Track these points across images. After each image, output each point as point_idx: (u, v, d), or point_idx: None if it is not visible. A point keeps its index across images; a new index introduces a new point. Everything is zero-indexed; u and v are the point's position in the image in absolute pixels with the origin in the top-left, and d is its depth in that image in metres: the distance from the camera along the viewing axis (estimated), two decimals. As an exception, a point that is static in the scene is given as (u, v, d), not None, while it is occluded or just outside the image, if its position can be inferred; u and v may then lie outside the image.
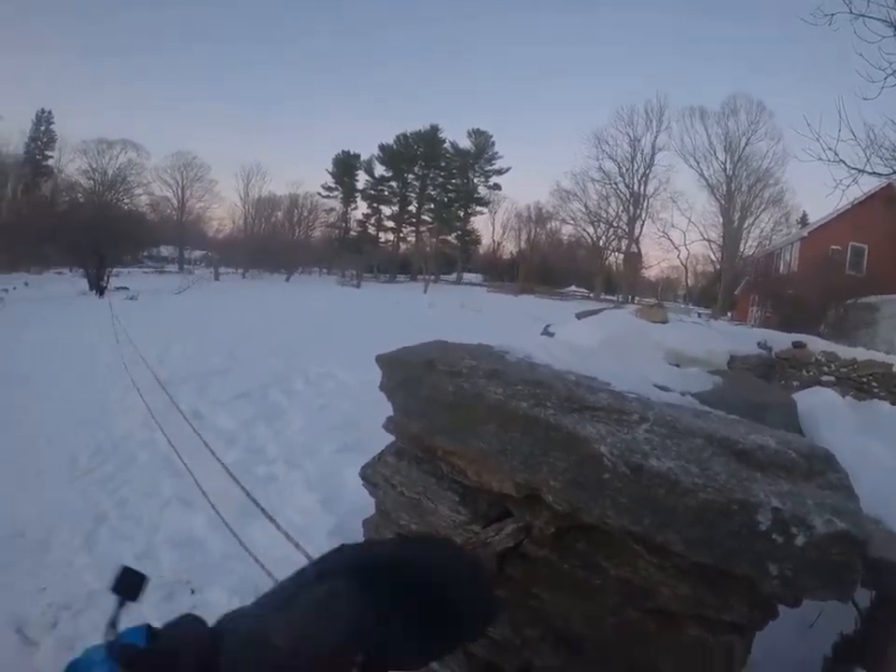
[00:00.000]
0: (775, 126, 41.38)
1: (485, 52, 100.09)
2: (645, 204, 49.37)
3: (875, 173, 8.73)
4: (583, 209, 51.02)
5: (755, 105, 42.70)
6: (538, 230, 62.74)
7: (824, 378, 6.93)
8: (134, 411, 7.32)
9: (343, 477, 4.96)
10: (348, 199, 70.66)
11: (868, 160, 8.41)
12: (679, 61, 72.57)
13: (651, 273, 58.55)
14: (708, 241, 46.87)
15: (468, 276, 61.04)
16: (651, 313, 5.33)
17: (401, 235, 70.80)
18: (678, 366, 3.41)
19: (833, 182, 8.42)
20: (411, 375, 2.00)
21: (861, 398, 6.09)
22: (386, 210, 70.68)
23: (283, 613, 0.90)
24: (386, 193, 69.81)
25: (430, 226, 67.97)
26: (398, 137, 67.91)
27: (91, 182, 51.58)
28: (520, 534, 1.74)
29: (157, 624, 0.88)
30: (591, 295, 47.42)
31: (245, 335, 13.09)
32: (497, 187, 67.79)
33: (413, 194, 69.15)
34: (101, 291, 29.53)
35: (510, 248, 69.03)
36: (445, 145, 67.71)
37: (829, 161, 8.22)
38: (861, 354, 7.38)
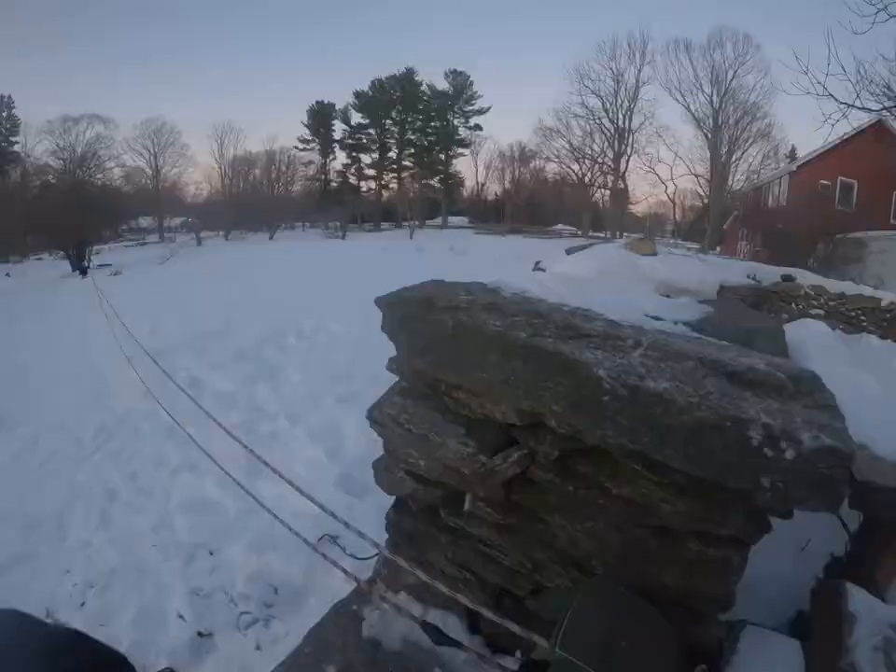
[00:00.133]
0: (762, 59, 39.96)
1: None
2: (630, 140, 48.37)
3: (865, 108, 8.60)
4: (567, 146, 49.84)
5: (742, 37, 41.18)
6: (522, 169, 61.73)
7: (813, 312, 6.97)
8: (134, 385, 7.22)
9: (344, 427, 5.09)
10: (326, 150, 68.75)
11: (858, 95, 8.28)
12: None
13: (639, 208, 57.94)
14: (696, 175, 46.13)
15: (453, 220, 59.74)
16: (641, 246, 5.36)
17: (383, 183, 69.03)
18: (668, 297, 3.45)
19: (822, 117, 8.32)
20: (411, 313, 2.04)
21: (850, 331, 6.18)
22: (366, 158, 68.64)
23: None
24: (365, 141, 67.86)
25: (412, 171, 66.29)
26: (373, 83, 65.76)
27: (62, 162, 50.24)
28: (525, 460, 1.82)
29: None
30: (579, 232, 46.89)
31: (235, 296, 12.96)
32: (478, 127, 66.07)
33: (392, 140, 67.31)
34: (83, 271, 28.61)
35: (494, 189, 67.69)
36: (423, 87, 65.55)
37: (818, 95, 8.08)
38: (849, 288, 7.44)
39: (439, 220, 59.31)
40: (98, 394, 7.47)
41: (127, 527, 4.22)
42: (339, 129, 68.47)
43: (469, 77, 64.82)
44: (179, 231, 54.13)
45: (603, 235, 43.02)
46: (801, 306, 7.18)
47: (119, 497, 4.71)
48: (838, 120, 8.30)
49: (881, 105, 8.89)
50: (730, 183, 43.29)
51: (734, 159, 43.21)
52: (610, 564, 1.76)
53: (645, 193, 52.58)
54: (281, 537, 3.46)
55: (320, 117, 67.55)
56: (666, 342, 1.80)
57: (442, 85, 64.98)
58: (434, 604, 2.17)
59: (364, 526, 2.41)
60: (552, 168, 55.05)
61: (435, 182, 65.76)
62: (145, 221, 57.61)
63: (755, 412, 1.39)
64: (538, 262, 6.46)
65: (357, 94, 66.27)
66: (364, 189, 68.84)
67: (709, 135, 43.22)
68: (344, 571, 2.38)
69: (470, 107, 65.76)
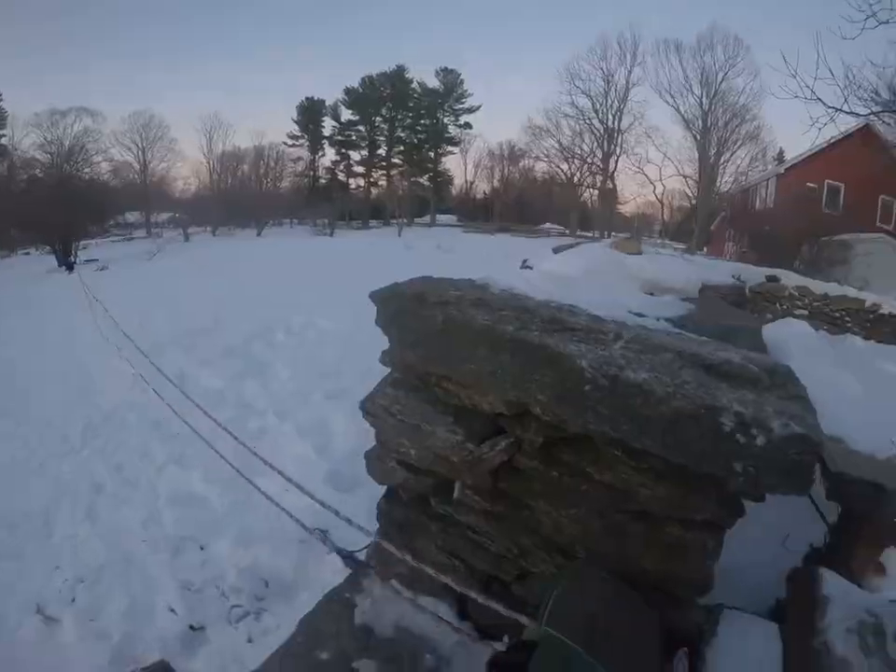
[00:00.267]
0: (752, 62, 40.19)
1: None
2: (619, 140, 48.72)
3: (853, 112, 8.72)
4: (557, 145, 50.00)
5: (732, 39, 41.42)
6: (511, 168, 61.90)
7: (797, 312, 7.07)
8: (121, 379, 7.33)
9: (333, 423, 5.15)
10: (315, 146, 68.55)
11: (846, 99, 8.38)
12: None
13: (627, 208, 58.19)
14: (684, 176, 46.48)
15: (441, 218, 59.69)
16: (626, 245, 5.44)
17: (372, 180, 68.97)
18: (653, 295, 3.52)
19: (810, 120, 8.40)
20: (403, 308, 2.11)
21: (834, 332, 6.26)
22: (355, 155, 68.53)
23: None
24: (354, 138, 67.69)
25: (401, 169, 66.44)
26: (363, 80, 65.71)
27: (49, 156, 49.76)
28: (512, 448, 1.89)
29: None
30: (567, 232, 47.07)
31: (223, 292, 12.95)
32: (467, 126, 66.12)
33: (381, 137, 67.19)
34: (70, 266, 28.47)
35: (483, 188, 67.84)
36: (413, 85, 65.62)
37: (806, 98, 8.16)
38: (833, 289, 7.56)
39: (427, 218, 59.31)
40: (84, 390, 7.49)
41: (114, 522, 4.26)
42: (328, 125, 68.47)
43: (459, 75, 64.95)
44: (166, 227, 53.63)
45: (591, 235, 43.21)
46: (785, 306, 7.28)
47: (105, 490, 4.75)
48: (826, 124, 8.39)
49: (869, 110, 9.07)
50: (718, 184, 43.69)
51: (722, 160, 43.62)
52: (593, 549, 1.83)
53: (633, 193, 52.91)
54: (270, 530, 3.55)
55: (310, 113, 67.46)
56: (647, 336, 1.89)
57: (433, 83, 65.17)
58: (424, 591, 2.23)
59: (354, 521, 2.47)
60: (541, 167, 55.30)
61: (424, 180, 65.76)
62: (132, 216, 57.08)
63: (728, 400, 1.47)
64: (525, 260, 6.51)
65: (348, 91, 66.18)
66: (353, 186, 68.73)
67: (698, 137, 43.56)
68: (341, 553, 2.44)
69: (461, 105, 65.88)
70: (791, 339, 3.64)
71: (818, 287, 7.56)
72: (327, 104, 67.81)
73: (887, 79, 8.93)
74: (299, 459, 4.51)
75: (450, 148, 67.23)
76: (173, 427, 5.41)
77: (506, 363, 1.75)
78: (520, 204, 56.05)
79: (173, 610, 3.26)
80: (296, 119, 67.82)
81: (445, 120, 66.33)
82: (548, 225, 52.93)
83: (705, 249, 37.38)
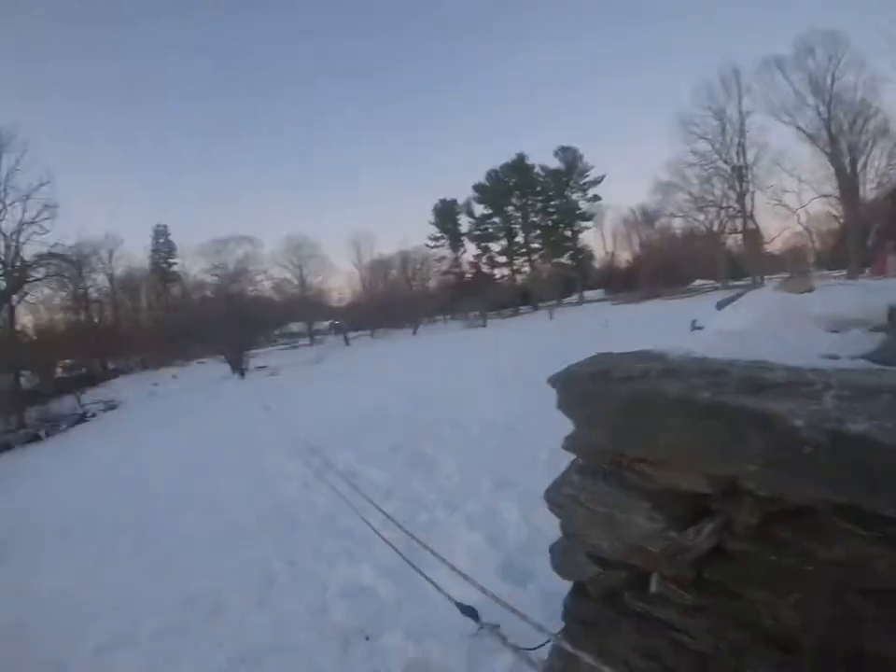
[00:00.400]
0: (855, 53, 37.59)
1: (551, 64, 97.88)
2: (749, 176, 46.36)
3: None
4: (688, 197, 48.63)
5: (828, 36, 38.68)
6: (648, 230, 60.93)
7: None
8: (292, 476, 7.76)
9: (503, 513, 5.00)
10: (455, 244, 72.17)
11: None
12: (732, 16, 67.27)
13: (775, 246, 54.74)
14: (825, 196, 42.75)
15: (589, 294, 59.87)
16: (794, 284, 4.97)
17: (515, 268, 71.21)
18: (837, 332, 3.15)
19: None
20: (587, 388, 2.00)
21: None
22: (495, 246, 71.58)
23: None
24: (491, 230, 70.80)
25: (541, 252, 67.97)
26: (488, 174, 69.18)
27: (216, 278, 56.05)
28: (719, 532, 1.66)
29: None
30: (718, 285, 45.17)
31: (388, 390, 13.59)
32: (596, 198, 66.65)
33: (517, 225, 69.67)
34: (242, 373, 31.65)
35: (624, 256, 67.23)
36: (536, 170, 67.93)
37: None
38: None
39: (575, 297, 59.44)
40: (259, 484, 7.83)
41: (284, 610, 4.27)
42: (464, 222, 72.22)
43: (577, 150, 66.25)
44: (327, 333, 57.87)
45: (743, 283, 40.92)
46: None
47: (278, 581, 4.78)
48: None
49: None
50: (862, 194, 39.76)
51: (859, 167, 39.93)
52: (821, 639, 1.51)
53: (777, 229, 49.26)
54: (440, 624, 3.40)
55: (445, 213, 71.51)
56: (856, 379, 1.59)
57: (554, 163, 66.83)
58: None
59: (528, 616, 2.30)
60: (677, 224, 53.81)
61: (565, 259, 66.47)
62: (295, 326, 62.53)
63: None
64: (694, 321, 6.23)
65: (476, 187, 69.89)
66: (497, 276, 71.42)
67: (827, 149, 40.38)
68: (515, 650, 2.25)
69: (585, 179, 67.01)
70: None
71: None
72: (459, 202, 71.83)
73: None
74: (469, 551, 4.37)
75: (584, 224, 68.39)
76: (344, 521, 5.54)
77: (705, 432, 1.56)
78: (666, 265, 54.46)
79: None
80: (433, 221, 71.96)
81: (574, 197, 67.67)
82: (698, 282, 51.17)
83: (867, 270, 34.00)
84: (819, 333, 3.07)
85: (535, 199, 68.26)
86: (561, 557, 2.22)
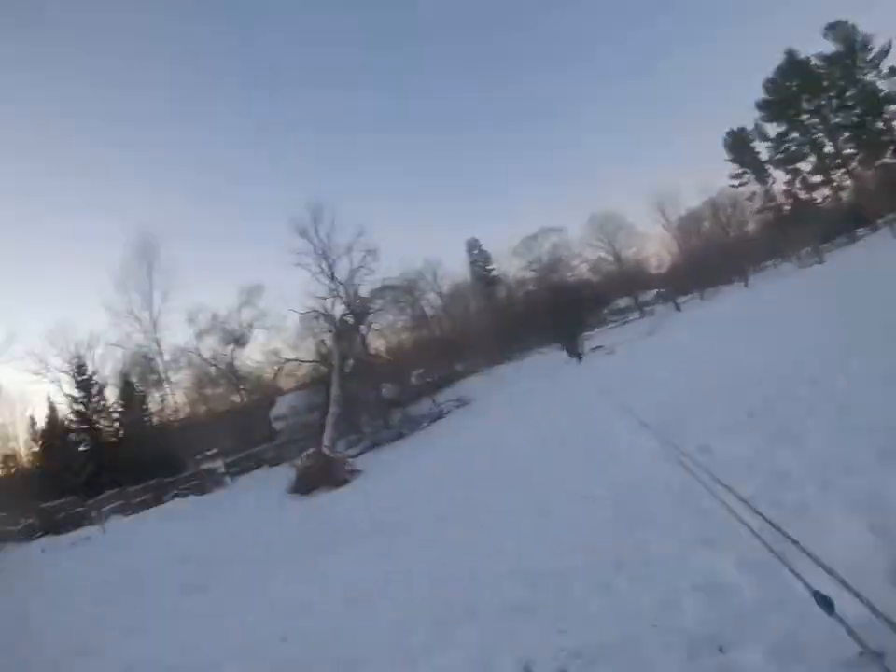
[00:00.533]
0: None
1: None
2: None
3: None
4: None
5: None
6: None
7: None
8: (640, 452, 7.48)
9: (893, 497, 3.82)
10: (760, 175, 62.75)
11: None
12: None
13: None
14: None
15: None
16: None
17: (834, 185, 58.81)
18: None
19: None
20: None
21: None
22: (804, 166, 60.09)
23: None
24: (793, 149, 59.77)
25: (857, 157, 55.54)
26: (765, 85, 59.43)
27: (534, 272, 59.87)
28: None
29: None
30: None
31: (732, 352, 12.54)
32: (893, 71, 52.51)
33: (819, 133, 57.73)
34: (579, 357, 32.69)
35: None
36: (812, 63, 56.15)
37: None
38: None
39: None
40: (607, 460, 7.79)
41: (629, 598, 3.97)
42: (762, 148, 62.87)
43: (847, 23, 53.27)
44: (655, 303, 56.44)
45: None
46: None
47: (626, 565, 4.51)
48: None
49: None
50: None
51: None
52: None
53: None
54: (811, 641, 2.72)
55: (738, 145, 63.53)
56: None
57: (827, 47, 55.23)
58: None
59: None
60: None
61: (889, 157, 53.38)
62: (622, 301, 62.20)
63: None
64: None
65: (759, 104, 60.64)
66: (818, 199, 59.88)
67: None
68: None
69: (871, 54, 53.25)
70: None
71: None
72: (748, 129, 63.12)
73: None
74: (849, 545, 3.37)
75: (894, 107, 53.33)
76: (699, 502, 5.00)
77: None
78: None
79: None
80: (728, 157, 64.11)
81: (868, 79, 54.07)
82: None
83: None
84: None
85: (827, 96, 55.57)
86: None
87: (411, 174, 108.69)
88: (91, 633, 7.39)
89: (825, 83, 56.75)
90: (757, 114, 62.34)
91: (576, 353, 33.78)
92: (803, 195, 61.06)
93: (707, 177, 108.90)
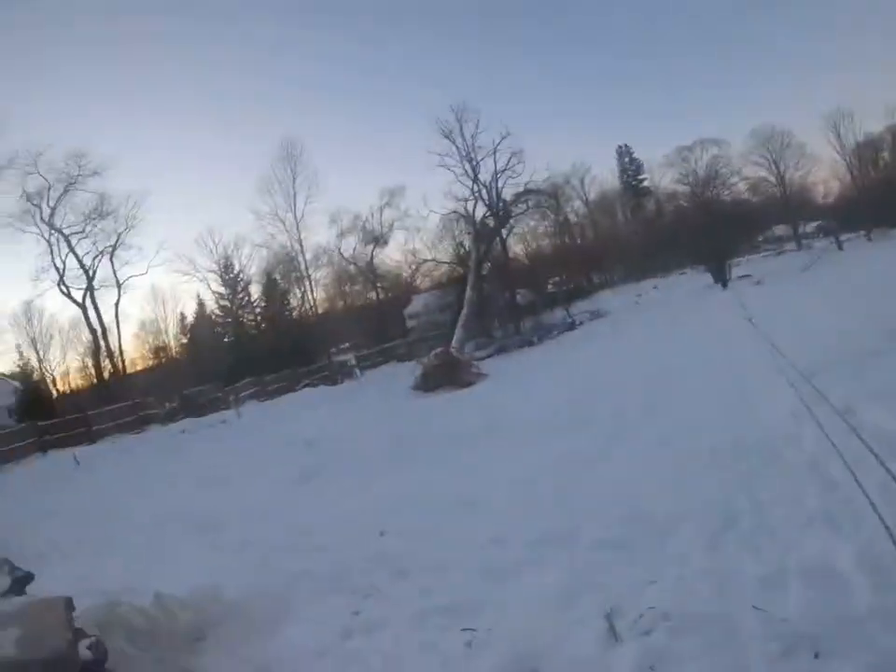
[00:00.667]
0: None
1: None
2: None
3: None
4: None
5: None
6: None
7: None
8: (778, 401, 6.83)
9: None
10: None
11: None
12: None
13: None
14: None
15: None
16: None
17: None
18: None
19: None
20: None
21: None
22: None
23: None
24: None
25: None
26: None
27: (687, 186, 54.97)
28: None
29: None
30: None
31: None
32: None
33: None
34: (724, 283, 30.94)
35: None
36: None
37: None
38: None
39: None
40: (738, 403, 7.34)
41: (732, 564, 3.60)
42: None
43: None
44: (816, 237, 51.48)
45: None
46: None
47: (737, 525, 4.13)
48: None
49: None
50: None
51: None
52: None
53: None
54: None
55: None
56: None
57: None
58: None
59: None
60: None
61: None
62: (779, 229, 57.33)
63: None
64: None
65: None
66: None
67: None
68: None
69: None
70: None
71: None
72: None
73: None
74: None
75: None
76: (832, 471, 4.46)
77: None
78: None
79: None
80: None
81: None
82: None
83: None
84: None
85: None
86: None
87: (562, 72, 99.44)
88: (213, 511, 7.96)
89: None
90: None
91: (722, 278, 32.04)
92: None
93: (892, 99, 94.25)
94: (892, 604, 2.69)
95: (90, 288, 37.85)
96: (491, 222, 35.46)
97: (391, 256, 50.66)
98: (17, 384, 35.22)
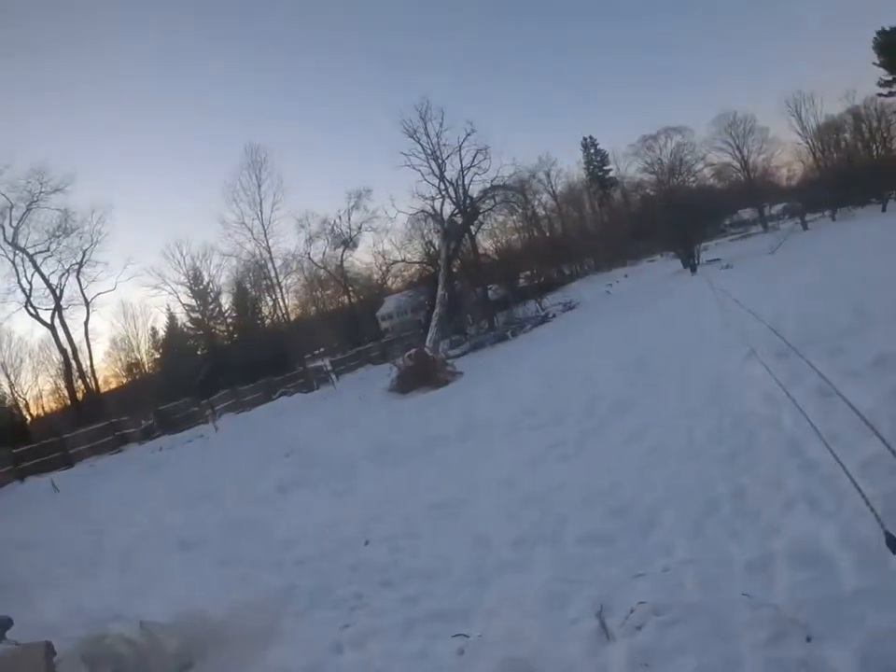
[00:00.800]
0: None
1: None
2: None
3: None
4: None
5: None
6: None
7: None
8: (754, 383, 6.74)
9: None
10: None
11: None
12: None
13: None
14: None
15: None
16: None
17: None
18: None
19: None
20: None
21: None
22: None
23: None
24: None
25: None
26: None
27: (653, 175, 55.96)
28: None
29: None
30: None
31: (869, 281, 11.02)
32: None
33: None
34: (693, 268, 31.24)
35: None
36: None
37: None
38: None
39: None
40: (714, 389, 7.27)
41: (716, 548, 3.63)
42: None
43: None
44: (781, 219, 52.36)
45: None
46: None
47: (718, 511, 4.15)
48: None
49: None
50: None
51: None
52: None
53: None
54: None
55: (891, 48, 51.58)
56: None
57: None
58: None
59: None
60: None
61: None
62: (745, 213, 58.29)
63: None
64: None
65: None
66: None
67: None
68: None
69: None
70: None
71: None
72: None
73: None
74: None
75: None
76: (811, 452, 4.36)
77: None
78: None
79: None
80: (878, 61, 50.59)
81: None
82: None
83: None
84: None
85: None
86: None
87: (526, 66, 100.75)
88: (194, 529, 7.82)
89: None
90: None
91: (690, 263, 32.27)
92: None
93: (850, 82, 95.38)
94: (879, 583, 2.68)
95: (58, 308, 36.64)
96: (459, 219, 35.36)
97: (361, 258, 50.72)
98: (-11, 411, 34.40)
